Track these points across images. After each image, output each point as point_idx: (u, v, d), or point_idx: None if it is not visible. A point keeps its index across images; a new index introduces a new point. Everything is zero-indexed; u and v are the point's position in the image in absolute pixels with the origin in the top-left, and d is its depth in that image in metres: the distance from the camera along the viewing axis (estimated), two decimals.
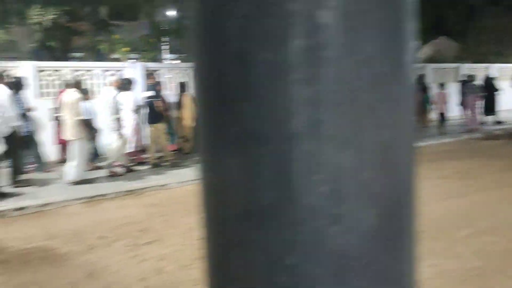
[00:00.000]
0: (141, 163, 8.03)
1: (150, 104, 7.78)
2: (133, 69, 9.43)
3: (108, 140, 7.27)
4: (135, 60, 11.89)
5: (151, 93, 7.84)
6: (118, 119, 7.15)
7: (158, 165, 7.89)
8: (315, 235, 0.36)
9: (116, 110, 7.14)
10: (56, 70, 8.95)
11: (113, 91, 7.39)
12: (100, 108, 7.35)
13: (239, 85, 0.37)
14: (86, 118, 6.77)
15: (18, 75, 7.74)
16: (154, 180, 6.99)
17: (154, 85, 8.03)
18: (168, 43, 15.90)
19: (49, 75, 8.86)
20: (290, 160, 0.36)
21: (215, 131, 0.39)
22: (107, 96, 7.33)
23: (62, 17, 10.39)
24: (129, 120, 7.52)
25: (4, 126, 6.26)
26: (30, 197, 6.04)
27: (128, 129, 7.47)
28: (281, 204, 0.36)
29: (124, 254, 4.23)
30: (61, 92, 7.56)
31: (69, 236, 4.73)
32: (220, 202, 0.39)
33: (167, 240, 4.57)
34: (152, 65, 10.32)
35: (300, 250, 0.36)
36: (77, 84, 6.97)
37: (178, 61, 16.18)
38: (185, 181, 6.89)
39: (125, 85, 7.54)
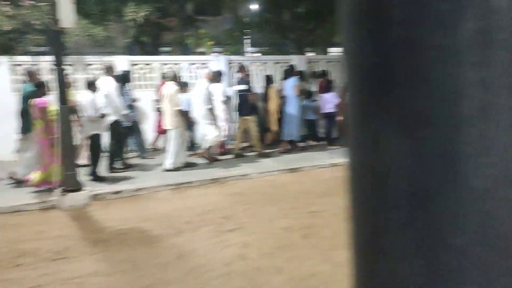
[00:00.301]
0: (225, 152, 8.32)
1: (242, 97, 8.01)
2: (217, 62, 9.74)
3: (204, 130, 7.65)
4: (218, 53, 12.28)
5: (243, 86, 8.07)
6: (211, 110, 7.49)
7: (241, 155, 8.12)
8: (482, 218, 0.36)
9: (209, 101, 7.48)
10: (147, 64, 9.53)
11: (205, 83, 7.74)
12: (195, 100, 7.77)
13: (405, 70, 0.38)
14: (183, 109, 7.19)
15: (124, 69, 8.40)
16: (237, 169, 7.20)
17: (245, 79, 8.26)
18: (249, 36, 16.17)
19: (141, 68, 9.46)
20: (459, 142, 0.36)
21: (376, 116, 0.40)
22: (201, 88, 7.70)
23: (153, 14, 11.01)
24: (220, 111, 7.83)
25: (112, 115, 6.85)
26: (127, 182, 6.53)
27: (221, 119, 7.80)
28: (449, 185, 0.37)
29: (209, 239, 4.42)
30: (161, 84, 8.08)
31: (160, 219, 5.04)
32: (382, 184, 0.40)
33: (249, 228, 4.69)
34: (235, 58, 10.58)
35: (467, 231, 0.37)
36: (175, 77, 7.41)
37: (259, 54, 16.38)
38: (266, 172, 7.03)
39: (216, 77, 7.87)
